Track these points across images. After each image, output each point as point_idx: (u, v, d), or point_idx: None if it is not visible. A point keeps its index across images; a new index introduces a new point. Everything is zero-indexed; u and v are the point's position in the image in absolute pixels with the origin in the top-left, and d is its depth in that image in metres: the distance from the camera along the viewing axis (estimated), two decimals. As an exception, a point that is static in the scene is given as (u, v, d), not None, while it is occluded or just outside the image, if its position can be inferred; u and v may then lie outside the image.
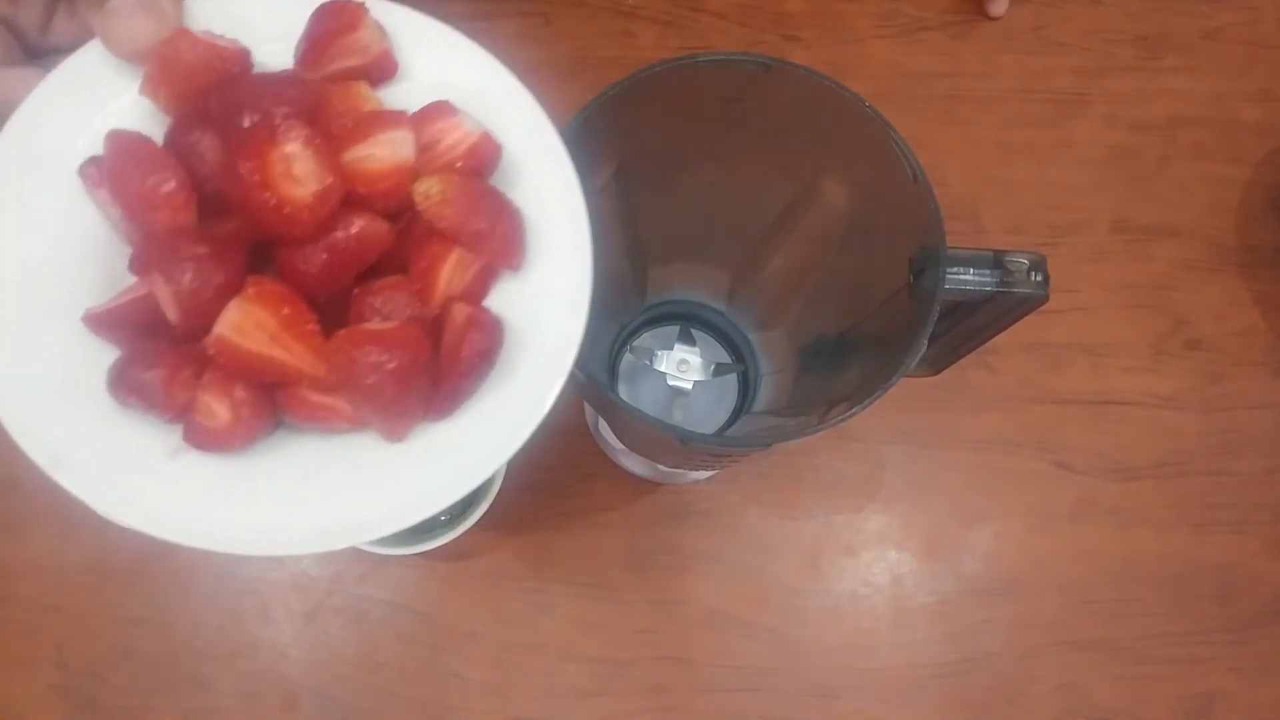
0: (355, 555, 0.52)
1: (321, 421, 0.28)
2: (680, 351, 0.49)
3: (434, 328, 0.29)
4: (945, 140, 0.62)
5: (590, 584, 0.53)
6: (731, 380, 0.54)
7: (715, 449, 0.40)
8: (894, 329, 0.37)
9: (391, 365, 0.26)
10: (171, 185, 0.27)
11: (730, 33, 0.63)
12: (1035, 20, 0.65)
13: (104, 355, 0.28)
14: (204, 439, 0.27)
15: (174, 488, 0.27)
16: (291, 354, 0.27)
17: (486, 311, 0.29)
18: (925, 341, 0.33)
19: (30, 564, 0.52)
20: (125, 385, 0.27)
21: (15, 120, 0.28)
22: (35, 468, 0.55)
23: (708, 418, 0.53)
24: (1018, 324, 0.37)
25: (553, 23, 0.57)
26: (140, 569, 0.52)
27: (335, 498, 0.28)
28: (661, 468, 0.51)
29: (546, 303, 0.29)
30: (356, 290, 0.29)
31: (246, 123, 0.27)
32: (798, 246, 0.45)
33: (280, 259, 0.28)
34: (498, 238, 0.29)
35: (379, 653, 0.52)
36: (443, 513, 0.50)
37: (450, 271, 0.29)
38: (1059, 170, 0.61)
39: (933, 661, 0.53)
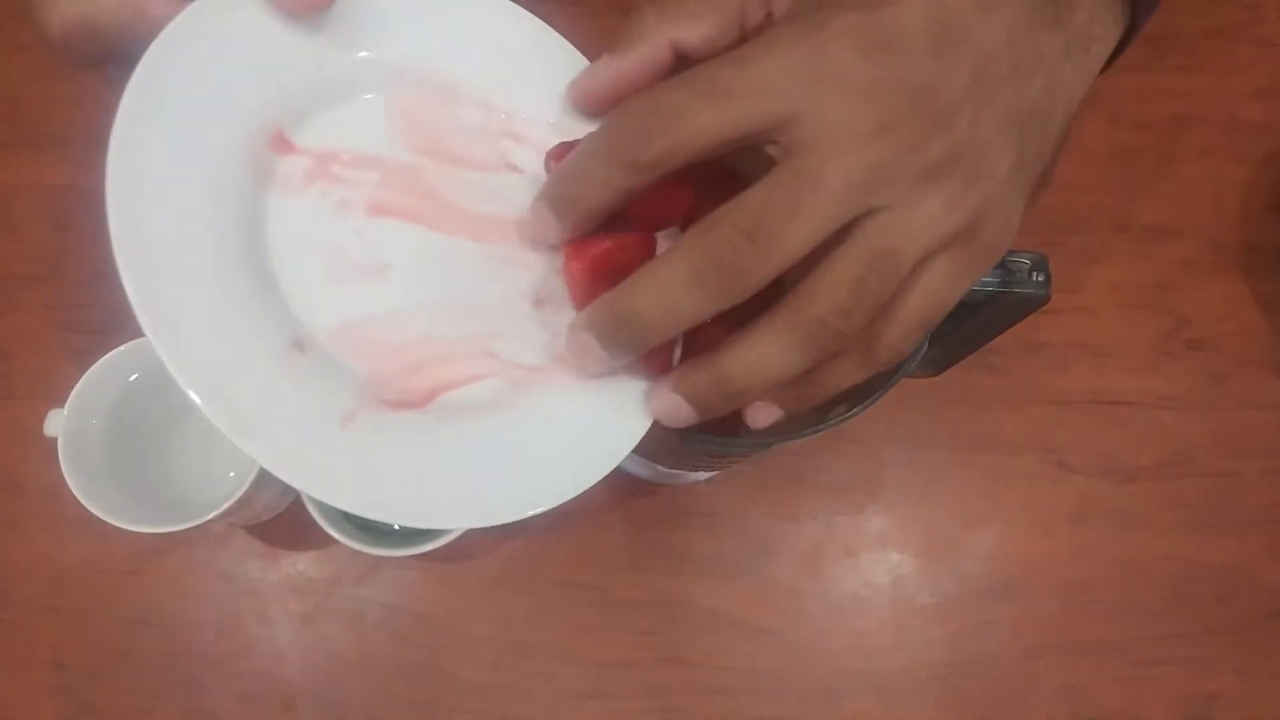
0: (353, 557, 0.52)
1: None
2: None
3: None
4: (946, 139, 0.61)
5: (589, 585, 0.53)
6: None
7: (715, 449, 0.39)
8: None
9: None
10: None
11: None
12: (1036, 19, 0.64)
13: (276, 317, 0.28)
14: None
15: (349, 457, 0.27)
16: None
17: None
18: (926, 341, 0.33)
19: (28, 565, 0.52)
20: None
21: (160, 44, 0.27)
22: (34, 469, 0.55)
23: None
24: (1019, 324, 0.37)
25: (552, 21, 0.57)
26: (138, 570, 0.52)
27: (498, 472, 0.29)
28: (661, 468, 0.50)
29: None
30: None
31: None
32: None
33: None
34: None
35: (377, 654, 0.52)
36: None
37: None
38: (1061, 169, 0.61)
39: (934, 663, 0.53)
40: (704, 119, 0.25)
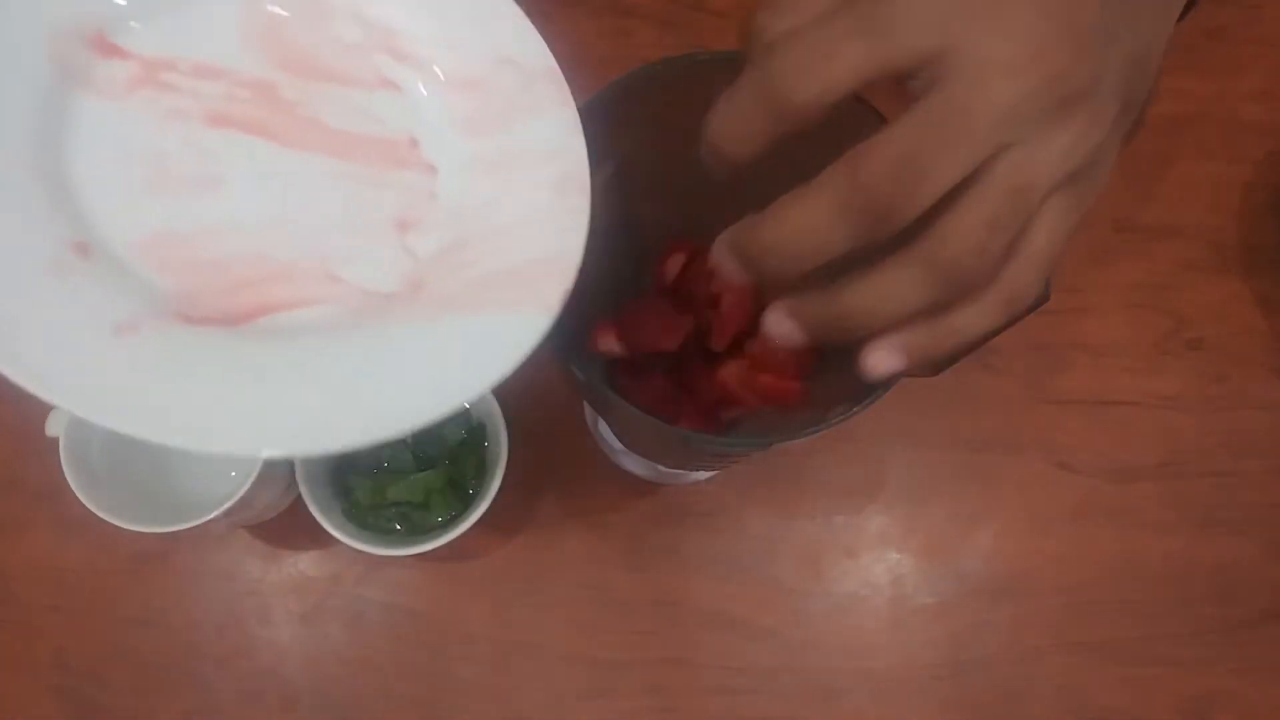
0: (353, 556, 0.52)
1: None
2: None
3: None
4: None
5: (590, 585, 0.53)
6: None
7: (716, 449, 0.39)
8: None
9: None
10: None
11: (730, 31, 0.63)
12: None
13: (57, 220, 0.26)
14: None
15: (119, 370, 0.25)
16: None
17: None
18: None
19: (30, 565, 0.52)
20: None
21: None
22: (36, 468, 0.55)
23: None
24: (1019, 324, 0.37)
25: (552, 21, 0.57)
26: (140, 569, 0.52)
27: (308, 401, 0.26)
28: (662, 468, 0.51)
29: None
30: None
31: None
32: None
33: None
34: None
35: (377, 654, 0.52)
36: (441, 513, 0.50)
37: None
38: (1060, 170, 0.61)
39: (933, 662, 0.53)
40: (854, 57, 0.25)
